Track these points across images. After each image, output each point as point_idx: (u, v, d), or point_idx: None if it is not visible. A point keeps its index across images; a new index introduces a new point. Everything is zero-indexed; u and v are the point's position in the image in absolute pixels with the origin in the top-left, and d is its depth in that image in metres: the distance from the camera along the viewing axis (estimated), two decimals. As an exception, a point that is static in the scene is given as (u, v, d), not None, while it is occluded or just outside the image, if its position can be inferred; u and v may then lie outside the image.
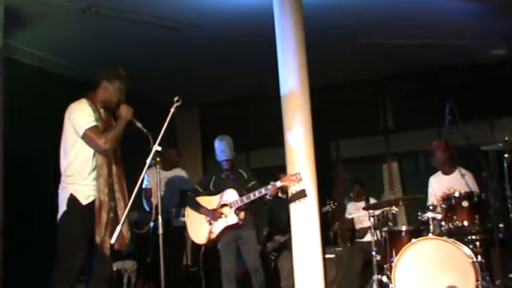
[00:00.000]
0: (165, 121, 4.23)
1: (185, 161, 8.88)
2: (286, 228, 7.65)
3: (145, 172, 4.11)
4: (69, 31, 7.56)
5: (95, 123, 4.27)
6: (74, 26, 7.44)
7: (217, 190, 6.42)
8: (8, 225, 6.41)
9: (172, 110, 4.28)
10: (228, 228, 6.26)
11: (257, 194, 6.11)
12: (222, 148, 6.41)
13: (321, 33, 7.56)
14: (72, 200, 4.24)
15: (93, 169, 4.28)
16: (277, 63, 6.60)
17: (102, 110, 4.42)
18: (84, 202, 4.22)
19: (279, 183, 6.03)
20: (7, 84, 6.90)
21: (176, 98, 4.27)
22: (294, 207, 6.31)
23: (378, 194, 10.02)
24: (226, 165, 6.44)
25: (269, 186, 6.05)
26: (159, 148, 4.14)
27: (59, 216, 4.27)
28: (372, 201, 7.90)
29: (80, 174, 4.26)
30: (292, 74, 6.51)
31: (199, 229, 6.38)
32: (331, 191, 10.08)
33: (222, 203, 6.31)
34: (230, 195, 6.30)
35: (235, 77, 9.73)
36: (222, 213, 6.25)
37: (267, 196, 6.12)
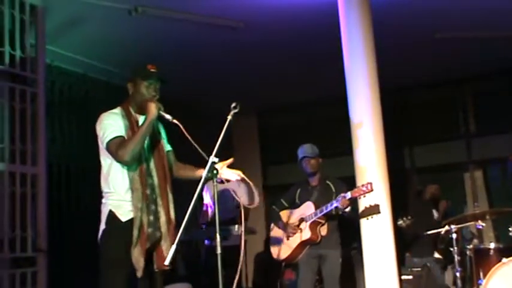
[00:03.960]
0: (221, 130, 4.17)
1: (243, 173, 8.92)
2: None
3: (202, 186, 4.12)
4: (114, 34, 7.67)
5: (117, 134, 4.24)
6: (120, 29, 7.52)
7: (303, 203, 6.58)
8: (53, 245, 6.55)
9: (229, 117, 4.22)
10: (305, 244, 6.38)
11: (329, 206, 6.17)
12: (303, 149, 6.57)
13: (391, 29, 7.53)
14: (111, 216, 4.25)
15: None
16: (344, 63, 6.60)
17: (137, 116, 4.40)
18: (123, 219, 4.22)
19: (348, 195, 6.05)
20: (47, 93, 7.03)
21: (233, 105, 4.24)
22: (365, 223, 6.29)
23: (459, 206, 9.85)
24: (309, 168, 6.54)
25: (339, 198, 6.09)
26: (216, 159, 4.13)
27: (99, 235, 4.30)
28: None
29: (118, 189, 4.27)
30: (360, 75, 6.51)
31: (278, 245, 6.60)
32: (405, 204, 9.98)
33: (300, 217, 6.46)
34: (307, 208, 6.44)
35: (296, 80, 9.74)
36: (297, 228, 6.40)
37: (340, 209, 6.13)
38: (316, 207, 6.33)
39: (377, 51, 6.58)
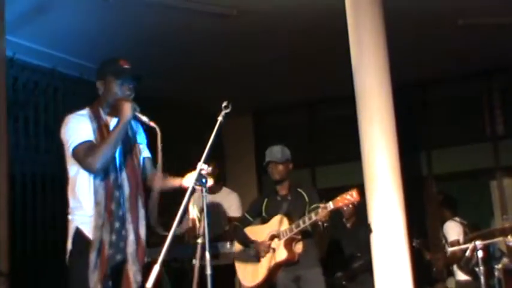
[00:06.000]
0: (211, 133, 4.08)
1: (237, 181, 8.93)
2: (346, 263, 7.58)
3: (188, 198, 4.10)
4: (87, 23, 7.66)
5: (85, 138, 4.22)
6: (94, 17, 7.53)
7: (271, 217, 6.37)
8: (14, 267, 6.50)
9: (220, 118, 4.17)
10: (279, 266, 6.21)
11: (307, 220, 5.97)
12: (271, 152, 6.45)
13: (405, 16, 7.58)
14: (79, 235, 4.21)
15: None
16: (350, 56, 6.65)
17: (108, 118, 4.36)
18: (92, 236, 4.18)
19: (330, 205, 5.87)
20: (11, 90, 7.00)
21: (225, 104, 4.21)
22: (377, 238, 6.32)
23: (486, 219, 9.87)
24: (276, 175, 6.40)
25: (318, 210, 5.91)
26: (205, 167, 4.03)
27: (66, 257, 4.26)
28: None
29: (85, 202, 4.23)
30: (369, 69, 6.58)
31: (246, 268, 6.42)
32: (422, 216, 9.99)
33: (271, 233, 6.29)
34: (278, 223, 6.24)
35: (297, 76, 9.79)
36: (270, 247, 6.24)
37: (320, 223, 6.01)
38: (290, 221, 6.15)
39: (389, 42, 6.62)
